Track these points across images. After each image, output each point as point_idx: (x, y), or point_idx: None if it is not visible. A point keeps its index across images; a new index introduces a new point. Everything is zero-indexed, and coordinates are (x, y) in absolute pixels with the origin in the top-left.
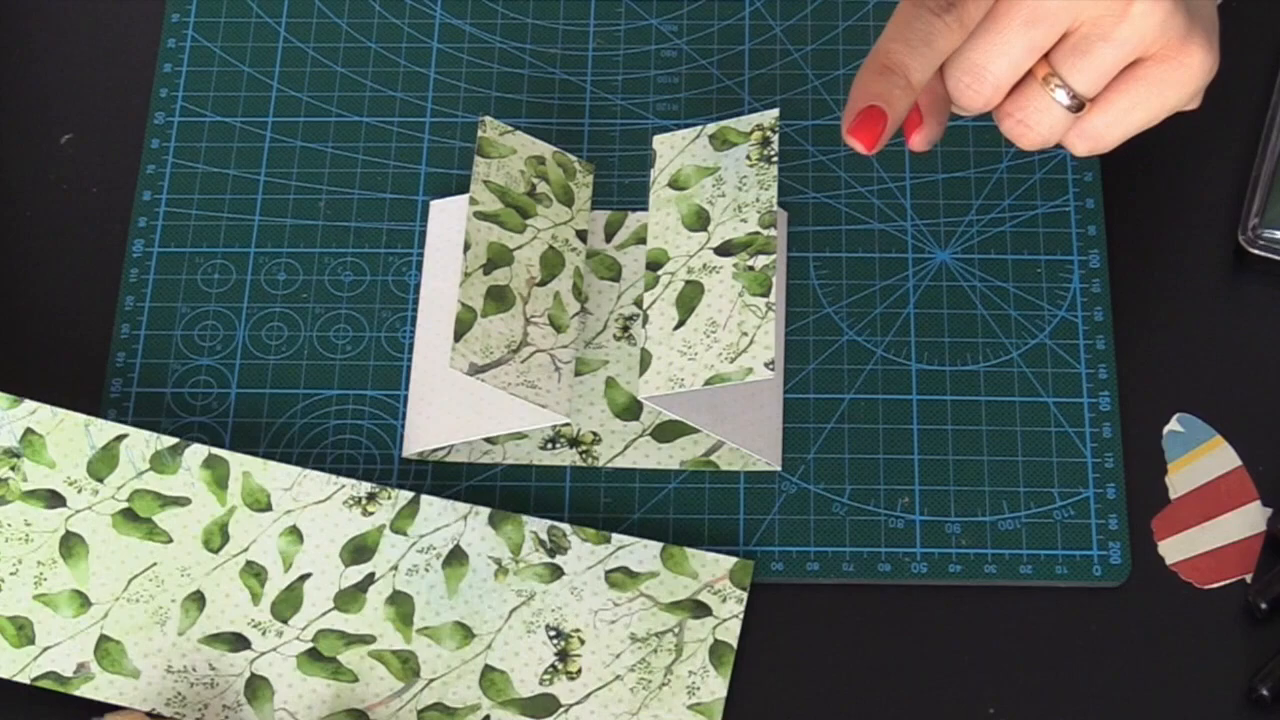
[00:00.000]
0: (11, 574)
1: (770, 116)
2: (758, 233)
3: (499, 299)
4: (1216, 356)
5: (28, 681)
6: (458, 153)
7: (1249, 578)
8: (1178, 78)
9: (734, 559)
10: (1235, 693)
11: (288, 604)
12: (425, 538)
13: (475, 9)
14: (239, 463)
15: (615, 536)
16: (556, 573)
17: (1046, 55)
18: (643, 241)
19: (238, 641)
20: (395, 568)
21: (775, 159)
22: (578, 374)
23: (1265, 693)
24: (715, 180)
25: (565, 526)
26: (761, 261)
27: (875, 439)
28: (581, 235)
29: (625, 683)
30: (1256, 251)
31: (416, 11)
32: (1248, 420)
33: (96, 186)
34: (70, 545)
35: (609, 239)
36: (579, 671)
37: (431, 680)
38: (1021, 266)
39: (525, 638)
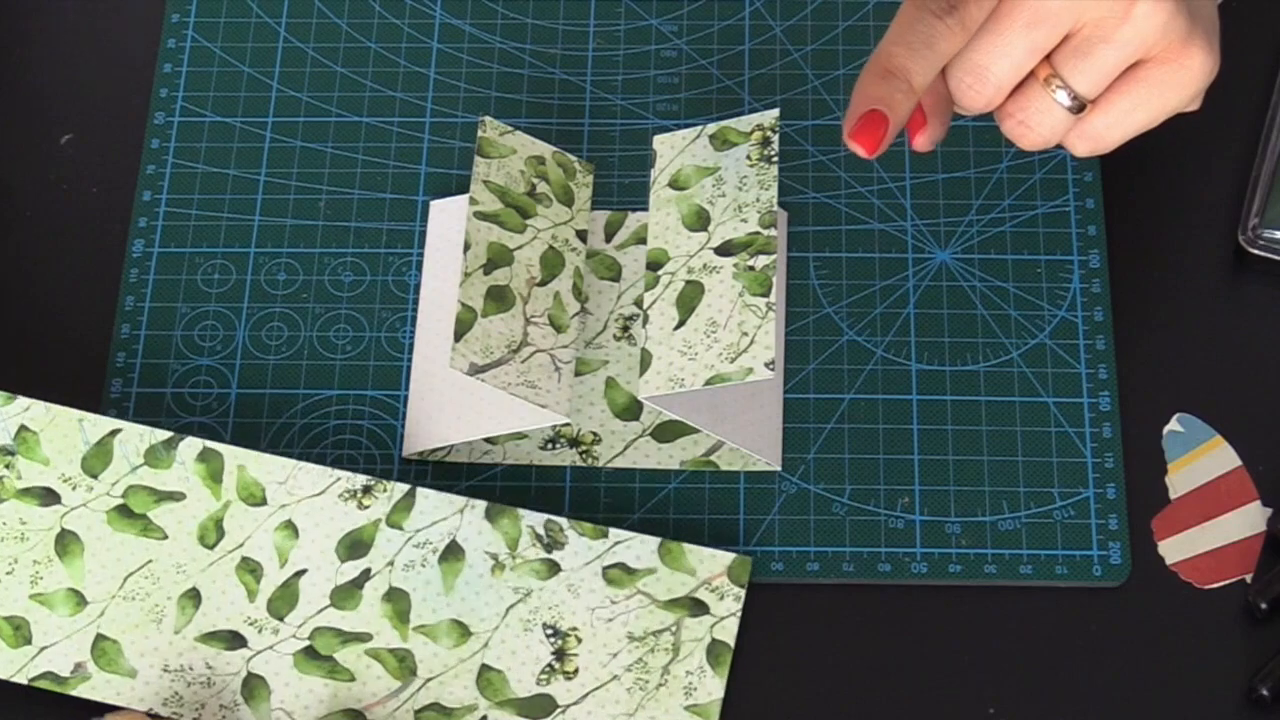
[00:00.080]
0: (8, 573)
1: (770, 116)
2: (758, 233)
3: (499, 299)
4: (1216, 356)
5: (25, 682)
6: (458, 153)
7: (1249, 578)
8: (1179, 79)
9: (732, 555)
10: (1235, 693)
11: (284, 601)
12: (421, 532)
13: (475, 9)
14: (233, 456)
15: (613, 531)
16: (554, 569)
17: (1048, 56)
18: (643, 241)
19: (234, 640)
20: (391, 563)
21: (775, 159)
22: (578, 374)
23: (1265, 693)
24: (715, 180)
25: (562, 521)
26: (762, 261)
27: (875, 439)
28: (581, 235)
29: (622, 683)
30: (1256, 251)
31: (416, 11)
32: (1248, 420)
33: (96, 186)
34: (65, 543)
35: (609, 239)
36: (576, 671)
37: (428, 680)
38: (1021, 266)
39: (522, 636)
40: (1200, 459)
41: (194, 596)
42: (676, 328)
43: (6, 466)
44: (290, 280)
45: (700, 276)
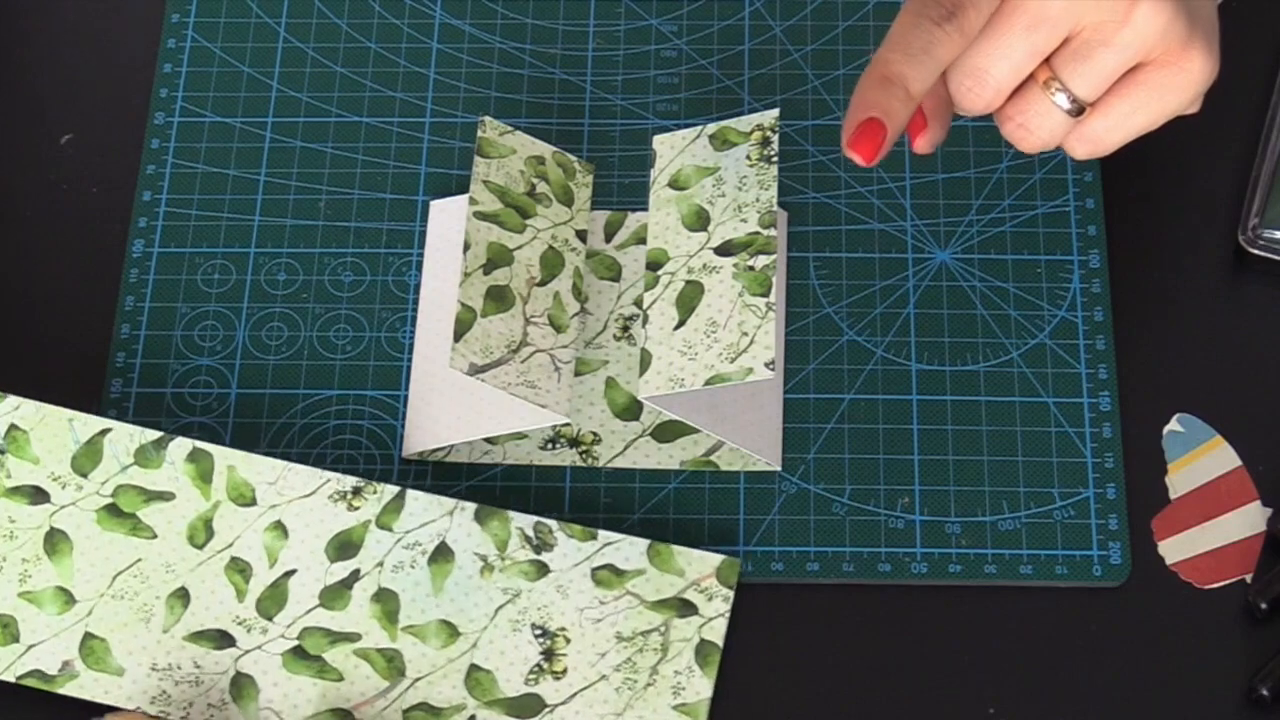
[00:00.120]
0: None
1: (770, 116)
2: (758, 233)
3: (499, 299)
4: (1216, 356)
5: (13, 680)
6: (458, 153)
7: (1249, 578)
8: (1178, 83)
9: (721, 556)
10: (1235, 693)
11: (273, 601)
12: (411, 534)
13: (475, 9)
14: (223, 456)
15: (602, 533)
16: (543, 570)
17: (1048, 59)
18: (643, 241)
19: (222, 639)
20: (381, 564)
21: (775, 159)
22: (578, 374)
23: (1265, 693)
24: (715, 180)
25: (551, 522)
26: (761, 261)
27: (875, 439)
28: (581, 235)
29: (611, 683)
30: (1256, 251)
31: (416, 11)
32: (1248, 420)
33: (96, 186)
34: (54, 542)
35: (609, 239)
36: (564, 671)
37: (417, 679)
38: (1021, 266)
39: (511, 636)
40: (1200, 459)
41: (183, 596)
42: (676, 328)
43: None
44: (290, 280)
45: (700, 276)
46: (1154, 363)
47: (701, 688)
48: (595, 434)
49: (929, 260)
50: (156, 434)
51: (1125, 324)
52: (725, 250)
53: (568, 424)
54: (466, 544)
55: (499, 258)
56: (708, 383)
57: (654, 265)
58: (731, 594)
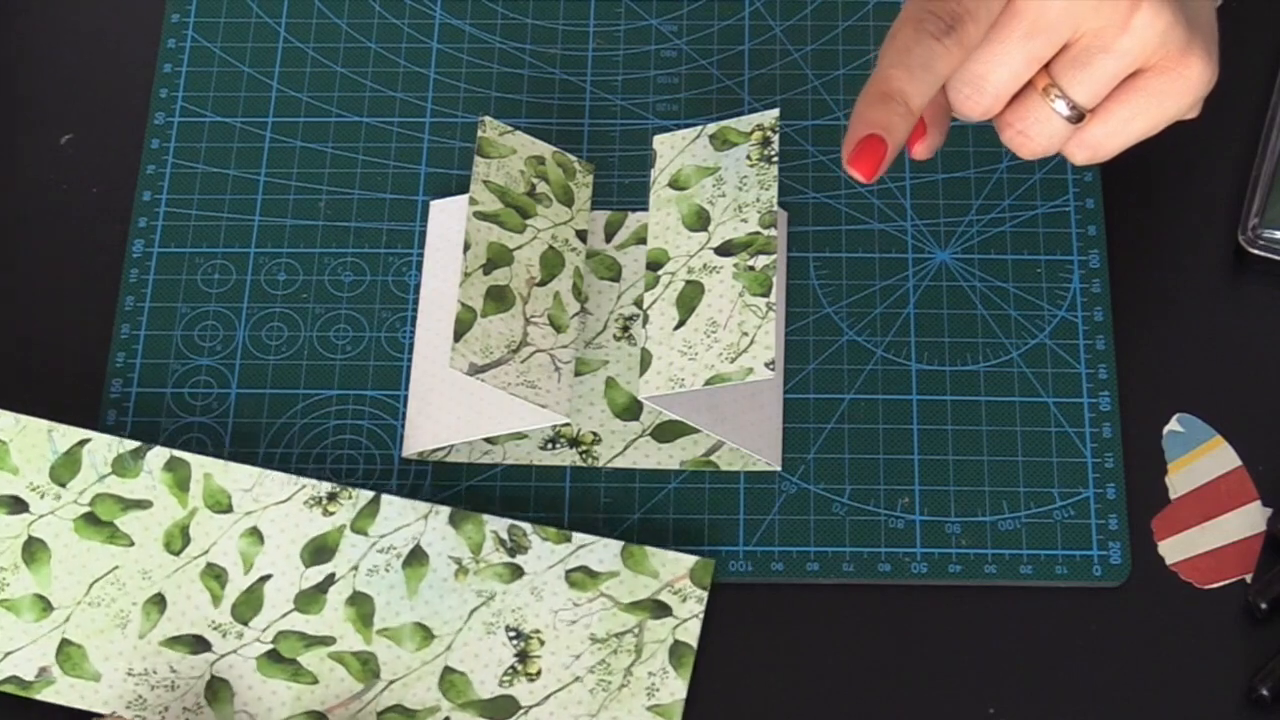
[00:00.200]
0: None
1: (770, 116)
2: (758, 233)
3: (499, 299)
4: (1216, 356)
5: None
6: (458, 153)
7: (1249, 578)
8: (1177, 89)
9: (694, 558)
10: (1235, 693)
11: (248, 605)
12: (386, 538)
13: (475, 9)
14: (200, 465)
15: (576, 536)
16: (517, 573)
17: (1047, 66)
18: (643, 241)
19: (198, 644)
20: (355, 568)
21: (776, 159)
22: (578, 374)
23: (1265, 693)
24: (715, 180)
25: (525, 526)
26: (762, 261)
27: (875, 439)
28: (581, 235)
29: (585, 684)
30: (1256, 251)
31: (416, 11)
32: (1248, 420)
33: (96, 186)
34: (33, 550)
35: (609, 239)
36: (539, 673)
37: (391, 682)
38: (1021, 266)
39: (485, 639)
40: (1200, 459)
41: (159, 602)
42: (676, 328)
43: None
44: (290, 280)
45: (700, 276)
46: (1154, 363)
47: (676, 688)
48: (595, 434)
49: (929, 260)
50: (134, 444)
51: (1125, 324)
52: (725, 250)
53: (568, 424)
54: (441, 547)
55: (499, 258)
56: (708, 383)
57: (654, 265)
58: (705, 595)
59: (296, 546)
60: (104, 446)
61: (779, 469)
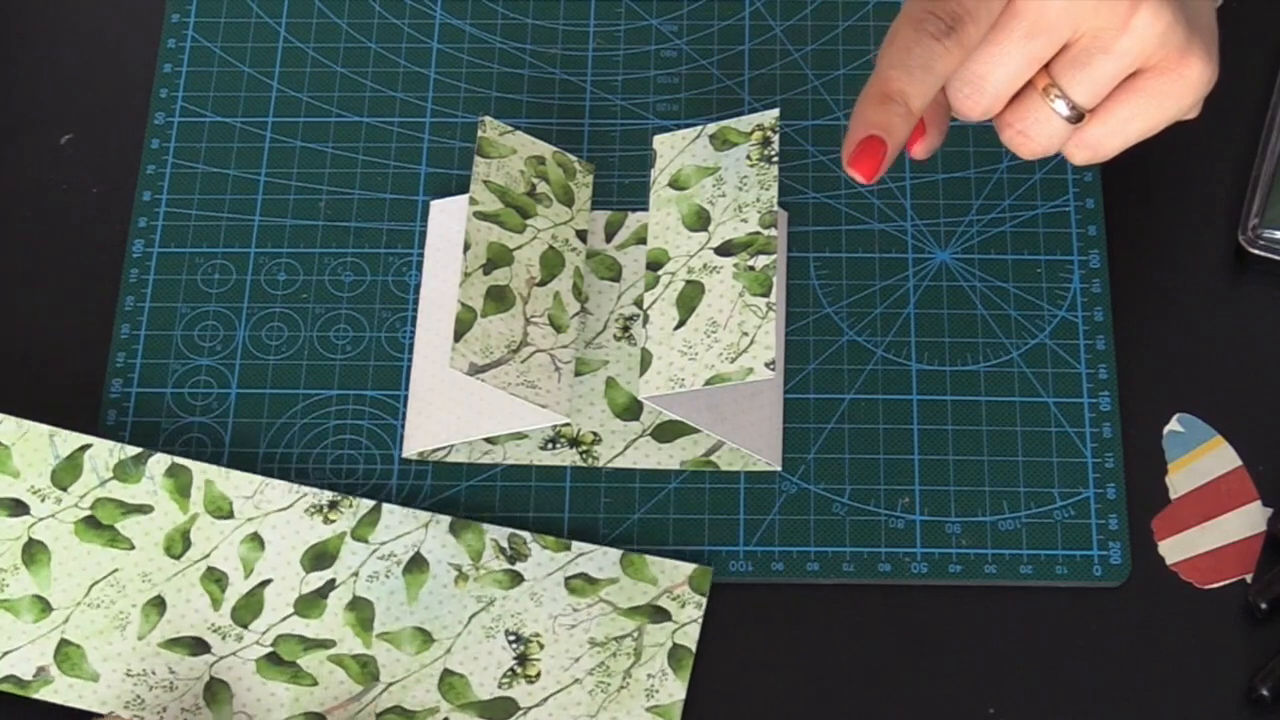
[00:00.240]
0: None
1: (770, 116)
2: (758, 233)
3: (499, 299)
4: (1216, 356)
5: None
6: (458, 153)
7: (1249, 578)
8: (1177, 89)
9: (693, 565)
10: (1235, 693)
11: (248, 609)
12: (386, 545)
13: (475, 9)
14: (201, 471)
15: (575, 544)
16: (516, 579)
17: (1046, 66)
18: (643, 241)
19: (197, 646)
20: (356, 574)
21: (776, 159)
22: (578, 374)
23: (1265, 693)
24: (715, 180)
25: (525, 535)
26: (762, 261)
27: (875, 439)
28: (581, 235)
29: (584, 686)
30: (1256, 251)
31: (416, 11)
32: (1248, 420)
33: (96, 186)
34: (33, 552)
35: (609, 239)
36: (538, 675)
37: (390, 684)
38: (1021, 266)
39: (484, 642)
40: (1200, 459)
41: (159, 604)
42: (677, 328)
43: None
44: (290, 280)
45: (700, 276)
46: (1154, 363)
47: (675, 690)
48: (595, 434)
49: (929, 260)
50: (136, 450)
51: (1125, 324)
52: (725, 250)
53: (568, 424)
54: (441, 554)
55: (499, 258)
56: (708, 383)
57: (654, 265)
58: (704, 600)
59: (297, 553)
60: (105, 452)
61: (779, 469)
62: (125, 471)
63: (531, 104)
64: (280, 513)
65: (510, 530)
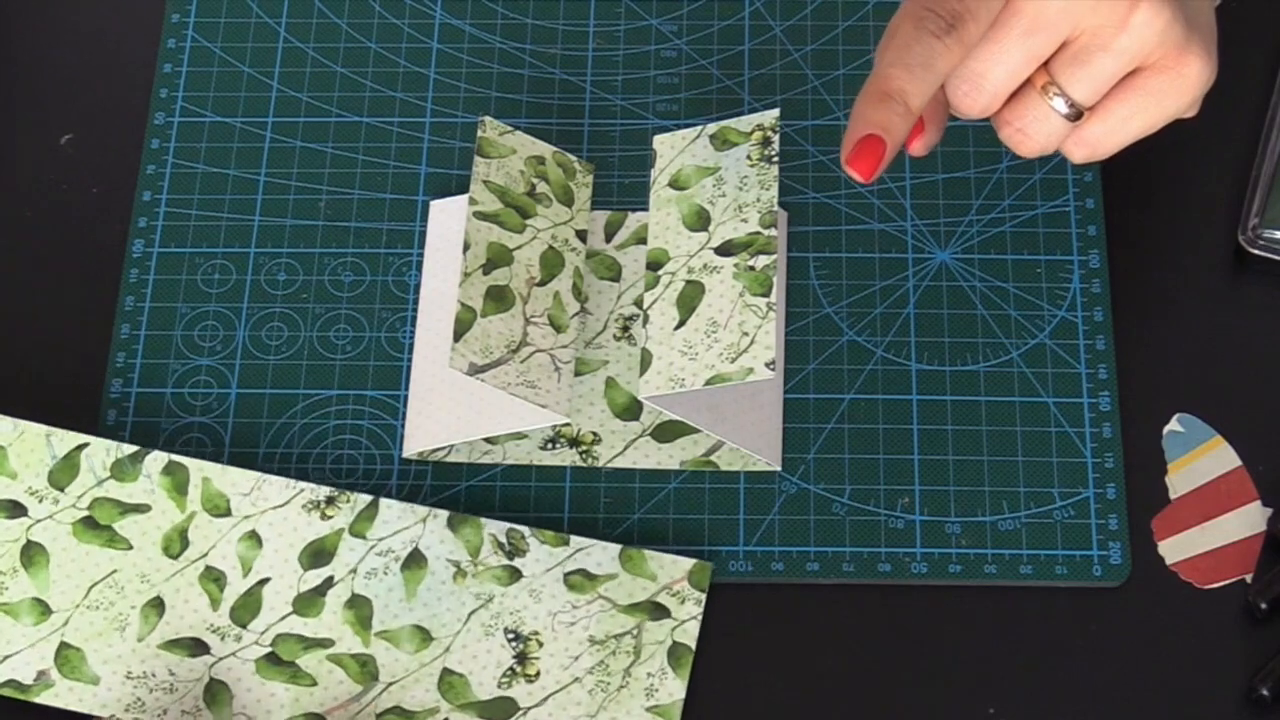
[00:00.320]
0: None
1: (770, 116)
2: (758, 233)
3: (499, 299)
4: (1216, 356)
5: None
6: (458, 153)
7: (1249, 578)
8: (1176, 87)
9: (693, 560)
10: (1235, 693)
11: (246, 609)
12: (384, 541)
13: (475, 9)
14: (198, 469)
15: (574, 539)
16: (515, 575)
17: (1045, 64)
18: (643, 241)
19: (197, 647)
20: (354, 571)
21: (776, 159)
22: (578, 374)
23: (1265, 693)
24: (716, 180)
25: (524, 529)
26: (762, 261)
27: (875, 439)
28: (581, 235)
29: (584, 685)
30: (1256, 251)
31: (416, 11)
32: (1248, 420)
33: (96, 186)
34: (31, 554)
35: (609, 239)
36: (537, 674)
37: (390, 684)
38: (1021, 266)
39: (484, 640)
40: (1200, 459)
41: (157, 605)
42: (677, 328)
43: None
44: (290, 280)
45: (700, 276)
46: (1154, 363)
47: (674, 689)
48: (595, 434)
49: (929, 260)
50: (133, 448)
51: (1125, 324)
52: (726, 250)
53: (568, 424)
54: (439, 550)
55: (499, 258)
56: (708, 383)
57: (654, 265)
58: (704, 596)
59: (295, 550)
60: (102, 451)
61: (779, 469)
62: (122, 470)
63: (531, 104)
64: (277, 509)
65: (508, 525)
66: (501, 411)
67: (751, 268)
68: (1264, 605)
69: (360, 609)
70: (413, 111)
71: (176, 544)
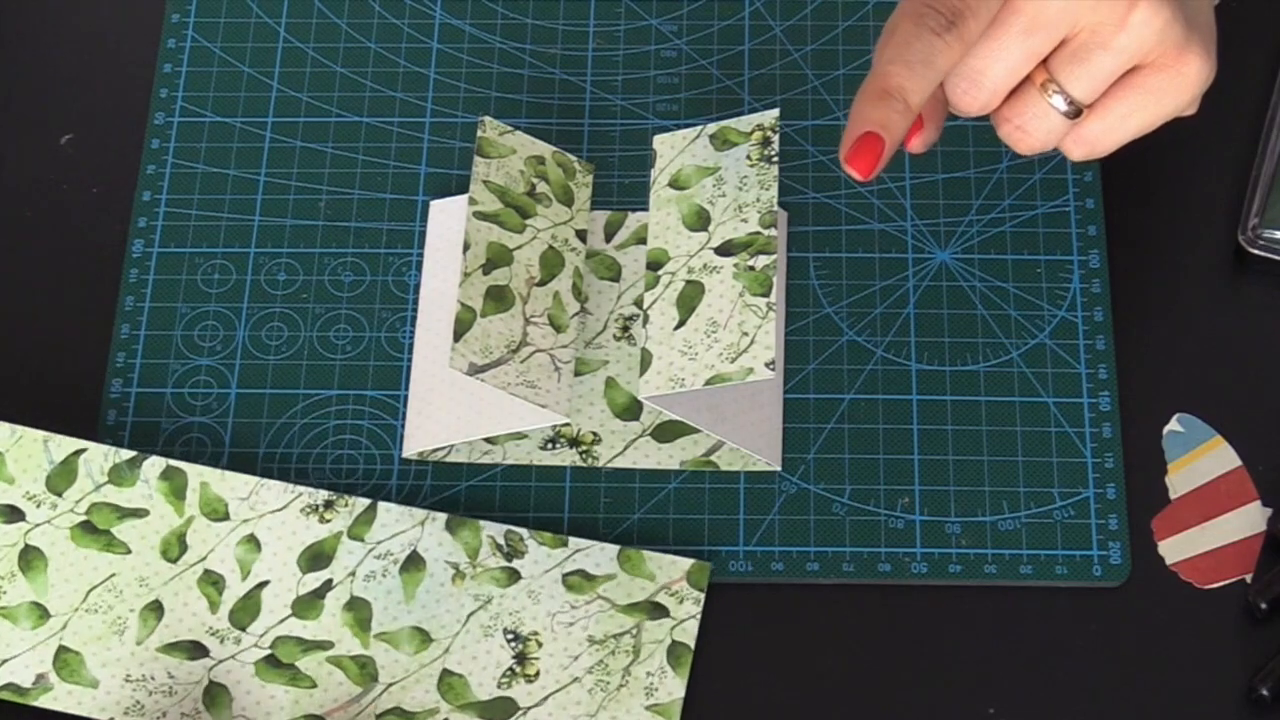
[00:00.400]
0: None
1: (770, 116)
2: (758, 233)
3: (499, 299)
4: (1216, 356)
5: None
6: (458, 153)
7: (1249, 578)
8: (1175, 86)
9: (691, 560)
10: (1235, 693)
11: (245, 612)
12: (382, 544)
13: (475, 9)
14: (196, 474)
15: (572, 540)
16: (514, 577)
17: (1044, 62)
18: (643, 241)
19: (196, 650)
20: (353, 574)
21: (776, 159)
22: (578, 374)
23: (1265, 693)
24: (716, 180)
25: (522, 531)
26: (762, 261)
27: (875, 439)
28: (581, 235)
29: (583, 685)
30: (1256, 251)
31: (416, 11)
32: (1248, 420)
33: (96, 186)
34: (29, 559)
35: (609, 239)
36: (537, 674)
37: (390, 685)
38: (1021, 266)
39: (483, 641)
40: (1200, 459)
41: (156, 609)
42: (677, 328)
43: None
44: (290, 280)
45: (700, 276)
46: (1154, 363)
47: (674, 688)
48: (595, 434)
49: (929, 260)
50: (130, 453)
51: (1125, 324)
52: (725, 250)
53: (568, 424)
54: (438, 553)
55: (499, 258)
56: (708, 383)
57: (654, 265)
58: (702, 596)
59: (293, 553)
60: (100, 456)
61: (779, 469)
62: (120, 475)
63: (531, 104)
64: (276, 513)
65: (506, 527)
66: (501, 411)
67: (751, 268)
68: (1264, 605)
69: (359, 611)
70: (413, 111)
71: (175, 548)
